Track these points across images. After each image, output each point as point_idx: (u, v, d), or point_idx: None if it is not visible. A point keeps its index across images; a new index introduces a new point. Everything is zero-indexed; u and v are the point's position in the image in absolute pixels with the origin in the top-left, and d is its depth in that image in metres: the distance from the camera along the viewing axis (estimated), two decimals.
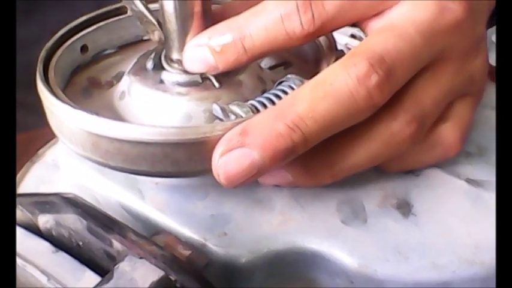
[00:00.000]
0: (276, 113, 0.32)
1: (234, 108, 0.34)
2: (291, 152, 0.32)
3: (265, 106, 0.35)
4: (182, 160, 0.33)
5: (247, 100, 0.36)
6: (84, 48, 0.42)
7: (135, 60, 0.40)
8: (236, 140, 0.32)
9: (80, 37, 0.41)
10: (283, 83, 0.36)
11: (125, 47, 0.44)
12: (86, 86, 0.41)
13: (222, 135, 0.32)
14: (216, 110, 0.35)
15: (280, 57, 0.42)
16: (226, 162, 0.32)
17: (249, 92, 0.37)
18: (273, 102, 0.35)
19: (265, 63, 0.42)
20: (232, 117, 0.34)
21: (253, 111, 0.34)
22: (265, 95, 0.35)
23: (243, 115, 0.34)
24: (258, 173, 0.32)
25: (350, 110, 0.32)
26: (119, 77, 0.41)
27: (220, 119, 0.35)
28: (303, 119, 0.32)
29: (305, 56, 0.41)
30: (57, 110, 0.35)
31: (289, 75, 0.36)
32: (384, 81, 0.33)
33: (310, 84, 0.33)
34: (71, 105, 0.35)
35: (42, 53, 0.39)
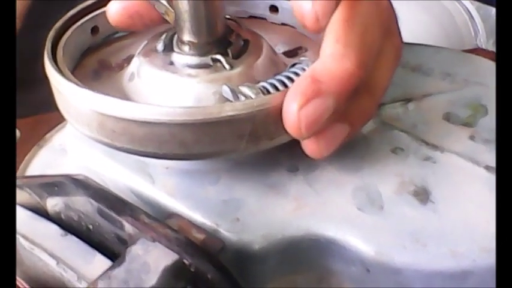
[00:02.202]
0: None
1: (244, 89, 0.34)
2: (357, 85, 0.32)
3: (276, 88, 0.34)
4: (190, 141, 0.32)
5: (259, 83, 0.35)
6: (94, 30, 0.41)
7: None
8: (311, 90, 0.31)
9: (91, 18, 0.41)
10: (297, 65, 0.35)
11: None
12: (96, 68, 0.40)
13: (231, 116, 0.31)
14: (226, 91, 0.34)
15: (295, 41, 0.41)
16: (307, 114, 0.31)
17: (260, 75, 0.36)
18: (284, 85, 0.34)
19: (279, 48, 0.41)
20: (242, 98, 0.33)
21: (263, 93, 0.34)
22: (277, 77, 0.35)
23: (253, 96, 0.33)
24: (328, 116, 0.32)
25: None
26: (129, 59, 0.40)
27: (230, 101, 0.34)
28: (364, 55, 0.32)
29: (321, 40, 0.40)
30: (64, 89, 0.34)
31: (302, 58, 0.35)
32: None
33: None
34: (78, 84, 0.34)
35: (51, 33, 0.38)
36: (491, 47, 1.14)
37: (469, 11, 1.14)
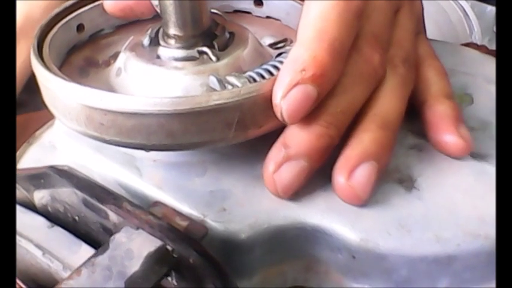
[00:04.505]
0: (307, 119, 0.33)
1: (231, 79, 0.34)
2: (332, 145, 0.34)
3: (263, 77, 0.34)
4: (178, 132, 0.32)
5: (245, 73, 0.35)
6: (80, 28, 0.41)
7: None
8: (281, 156, 0.33)
9: (76, 16, 0.41)
10: (282, 55, 0.35)
11: (122, 27, 0.43)
12: (83, 65, 0.41)
13: (218, 105, 0.32)
14: (213, 81, 0.34)
15: (280, 34, 0.41)
16: (279, 176, 0.33)
17: (247, 66, 0.36)
18: (271, 74, 0.34)
19: (265, 40, 0.41)
20: (229, 88, 0.34)
21: (250, 82, 0.34)
22: (264, 66, 0.35)
23: (240, 85, 0.33)
24: (305, 180, 0.34)
25: (366, 91, 0.35)
26: (115, 56, 0.40)
27: (217, 91, 0.34)
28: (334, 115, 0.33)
29: None
30: (51, 84, 0.34)
31: (288, 47, 0.35)
32: (383, 57, 0.35)
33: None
34: (64, 79, 0.34)
35: (37, 31, 0.38)
36: (487, 44, 1.14)
37: (463, 8, 1.14)
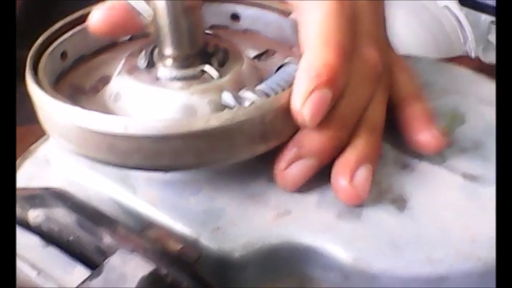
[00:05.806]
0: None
1: (248, 94, 0.34)
2: (341, 146, 0.36)
3: (275, 91, 0.35)
4: (204, 150, 0.33)
5: (256, 87, 0.36)
6: (63, 55, 0.40)
7: (115, 63, 0.39)
8: (293, 155, 0.35)
9: (59, 44, 0.40)
10: (283, 67, 0.36)
11: (101, 50, 0.42)
12: (71, 92, 0.39)
13: (245, 121, 0.32)
14: (228, 97, 0.35)
15: (262, 45, 0.42)
16: (289, 172, 0.35)
17: (247, 80, 0.37)
18: (281, 87, 0.35)
19: (249, 53, 0.41)
20: (247, 103, 0.34)
21: (266, 96, 0.35)
22: (274, 79, 0.36)
23: (258, 100, 0.34)
24: (312, 175, 0.36)
25: (372, 89, 0.37)
26: (103, 81, 0.40)
27: (229, 107, 0.35)
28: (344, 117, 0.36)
29: (288, 41, 0.41)
30: (67, 115, 0.34)
31: (287, 59, 0.36)
32: (379, 53, 0.37)
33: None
34: (83, 108, 0.33)
35: (29, 64, 0.37)
36: (481, 53, 1.15)
37: (458, 17, 1.15)
